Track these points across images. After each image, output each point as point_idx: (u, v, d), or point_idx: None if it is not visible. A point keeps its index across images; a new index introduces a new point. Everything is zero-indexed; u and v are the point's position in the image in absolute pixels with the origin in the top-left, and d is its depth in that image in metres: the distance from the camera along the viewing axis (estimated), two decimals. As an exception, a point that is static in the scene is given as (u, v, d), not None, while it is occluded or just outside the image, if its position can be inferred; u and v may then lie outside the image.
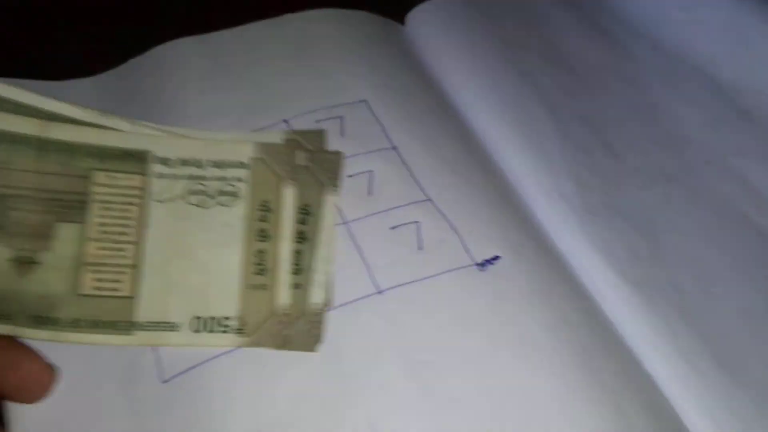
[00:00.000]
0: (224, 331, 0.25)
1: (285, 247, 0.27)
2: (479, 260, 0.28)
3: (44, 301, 0.24)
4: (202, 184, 0.28)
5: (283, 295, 0.26)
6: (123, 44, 0.38)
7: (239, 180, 0.28)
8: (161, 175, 0.27)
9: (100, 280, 0.25)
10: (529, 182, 0.33)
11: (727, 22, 0.41)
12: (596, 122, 0.36)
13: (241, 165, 0.28)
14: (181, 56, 0.36)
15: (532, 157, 0.34)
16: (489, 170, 0.33)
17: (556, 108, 0.36)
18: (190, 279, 0.26)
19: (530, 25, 0.42)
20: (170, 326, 0.25)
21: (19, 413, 0.24)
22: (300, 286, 0.26)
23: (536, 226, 0.31)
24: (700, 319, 0.28)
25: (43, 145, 0.26)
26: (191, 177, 0.28)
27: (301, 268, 0.27)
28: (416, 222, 0.29)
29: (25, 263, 0.25)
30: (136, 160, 0.27)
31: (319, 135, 0.31)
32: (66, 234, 0.25)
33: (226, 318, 0.25)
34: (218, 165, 0.28)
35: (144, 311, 0.25)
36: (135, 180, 0.27)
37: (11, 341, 0.24)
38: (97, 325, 0.25)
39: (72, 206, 0.26)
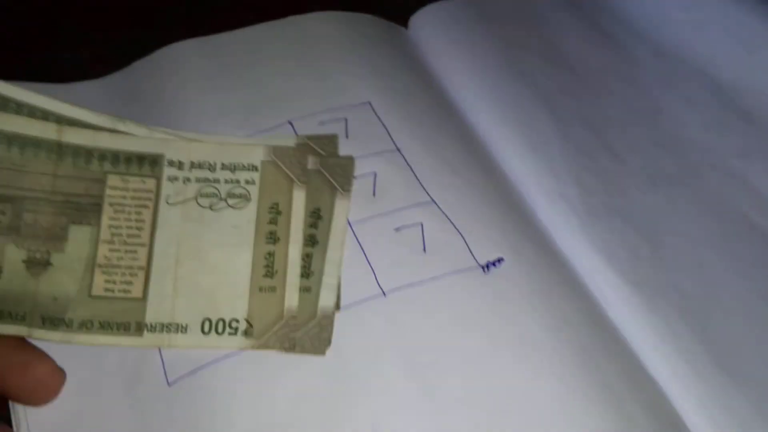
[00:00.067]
0: (232, 333, 0.25)
1: (295, 250, 0.27)
2: (483, 262, 0.28)
3: (56, 303, 0.25)
4: (213, 187, 0.28)
5: (292, 298, 0.26)
6: (127, 47, 0.38)
7: (250, 183, 0.28)
8: (174, 178, 0.28)
9: (111, 281, 0.26)
10: (530, 184, 0.33)
11: (728, 23, 0.41)
12: (597, 124, 0.36)
13: (252, 168, 0.29)
14: (186, 58, 0.36)
15: (533, 158, 0.34)
16: (491, 172, 0.33)
17: (558, 110, 0.37)
18: (199, 281, 0.26)
19: (531, 28, 0.42)
20: (179, 328, 0.25)
21: (25, 414, 0.24)
22: (310, 290, 0.27)
23: (538, 228, 0.31)
24: (700, 321, 0.28)
25: (59, 149, 0.26)
26: (203, 180, 0.28)
27: (311, 271, 0.27)
28: (420, 224, 0.29)
29: (38, 264, 0.25)
30: (149, 163, 0.28)
31: (331, 140, 0.31)
32: (79, 236, 0.26)
33: (235, 320, 0.26)
34: (230, 168, 0.28)
35: (154, 313, 0.25)
36: (148, 183, 0.27)
37: (22, 343, 0.24)
38: (107, 326, 0.25)
39: (85, 209, 0.26)
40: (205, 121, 0.32)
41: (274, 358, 0.25)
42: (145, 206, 0.27)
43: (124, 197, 0.27)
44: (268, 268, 0.27)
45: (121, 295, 0.25)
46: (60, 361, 0.24)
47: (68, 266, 0.25)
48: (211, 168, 0.28)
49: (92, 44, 0.40)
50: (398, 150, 0.32)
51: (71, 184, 0.26)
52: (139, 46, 0.37)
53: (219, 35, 0.38)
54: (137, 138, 0.28)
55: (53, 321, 0.24)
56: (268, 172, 0.29)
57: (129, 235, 0.26)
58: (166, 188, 0.28)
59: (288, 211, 0.28)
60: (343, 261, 0.27)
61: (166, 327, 0.25)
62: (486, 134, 0.35)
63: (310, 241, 0.28)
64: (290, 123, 0.32)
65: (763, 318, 0.29)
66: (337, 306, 0.26)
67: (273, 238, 0.27)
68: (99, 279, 0.25)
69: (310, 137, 0.31)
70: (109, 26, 0.42)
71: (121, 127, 0.28)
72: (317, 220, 0.28)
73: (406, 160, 0.32)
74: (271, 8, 0.39)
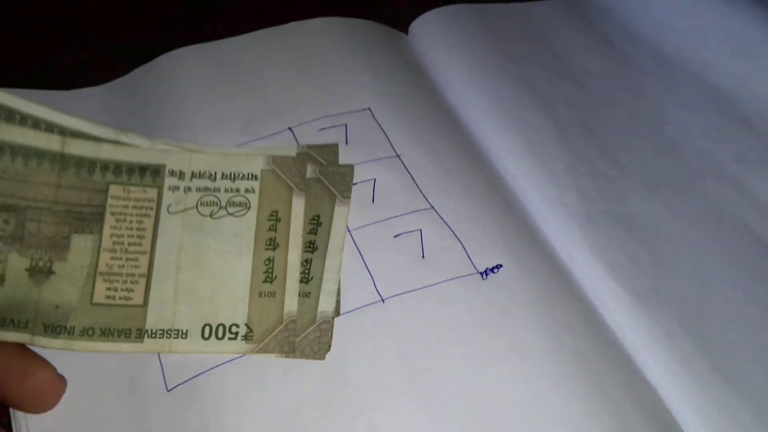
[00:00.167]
0: (233, 338, 0.26)
1: (294, 256, 0.27)
2: (482, 269, 0.28)
3: (58, 310, 0.25)
4: (214, 196, 0.28)
5: (292, 303, 0.27)
6: (130, 51, 0.38)
7: (250, 191, 0.29)
8: (175, 188, 0.28)
9: (112, 289, 0.26)
10: (531, 191, 0.33)
11: (728, 30, 0.41)
12: (597, 130, 0.36)
13: (252, 177, 0.29)
14: (187, 64, 0.37)
15: (534, 165, 0.34)
16: (491, 179, 0.33)
17: (558, 116, 0.37)
18: (200, 287, 0.27)
19: (532, 35, 0.42)
20: (180, 333, 0.26)
21: (26, 421, 0.24)
22: (309, 295, 0.27)
23: (537, 234, 0.32)
24: (698, 327, 0.28)
25: (62, 160, 0.27)
26: (204, 189, 0.29)
27: (310, 276, 0.27)
28: (419, 230, 0.29)
29: (40, 273, 0.25)
30: (151, 173, 0.28)
31: (331, 149, 0.31)
32: (81, 244, 0.26)
33: (235, 325, 0.26)
34: (230, 177, 0.29)
35: (154, 319, 0.26)
36: (149, 192, 0.28)
37: (23, 350, 0.24)
38: (108, 333, 0.25)
39: (88, 218, 0.27)
40: (206, 128, 0.33)
41: (273, 364, 0.25)
42: (147, 215, 0.27)
43: (126, 206, 0.27)
44: (268, 274, 0.27)
45: (122, 302, 0.26)
46: (60, 368, 0.24)
47: (70, 274, 0.26)
48: (212, 177, 0.29)
49: (94, 48, 0.41)
50: (398, 156, 0.32)
51: (74, 194, 0.27)
52: (142, 51, 0.38)
53: (220, 41, 0.38)
54: (139, 149, 0.28)
55: (55, 328, 0.25)
56: (268, 181, 0.29)
57: (130, 244, 0.27)
58: (167, 197, 0.28)
59: (287, 218, 0.28)
60: (341, 266, 0.28)
61: (167, 333, 0.26)
62: (486, 141, 0.35)
63: (310, 247, 0.28)
64: (290, 129, 0.33)
65: (762, 324, 0.29)
66: (337, 311, 0.27)
67: (272, 244, 0.28)
68: (100, 286, 0.26)
69: (310, 147, 0.31)
70: (112, 31, 0.43)
71: (123, 138, 0.28)
72: (317, 226, 0.28)
73: (405, 167, 0.32)
74: (272, 14, 0.40)
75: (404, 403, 0.24)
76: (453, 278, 0.28)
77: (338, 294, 0.27)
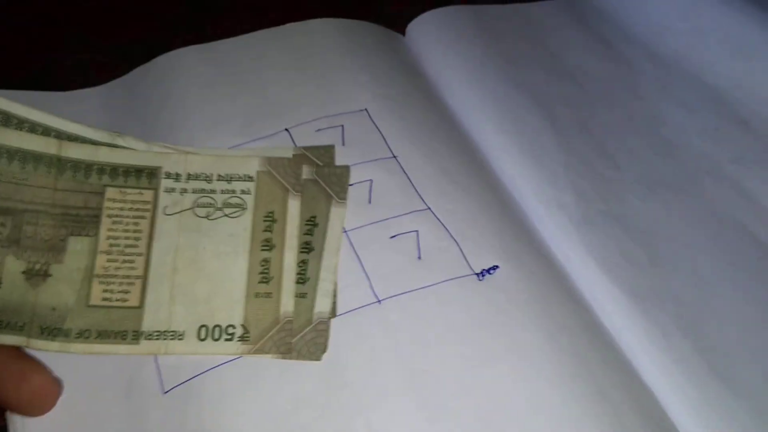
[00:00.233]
0: (229, 339, 0.26)
1: (290, 257, 0.28)
2: (478, 270, 0.28)
3: (55, 313, 0.25)
4: (209, 197, 0.28)
5: (288, 303, 0.27)
6: (129, 52, 0.38)
7: (246, 192, 0.29)
8: (171, 190, 0.28)
9: (109, 291, 0.26)
10: (528, 192, 0.33)
11: (727, 31, 0.41)
12: (595, 131, 0.36)
13: (247, 178, 0.29)
14: (185, 65, 0.37)
15: (531, 166, 0.34)
16: (488, 180, 0.33)
17: (555, 117, 0.37)
18: (196, 288, 0.27)
19: (529, 36, 0.42)
20: (176, 335, 0.26)
21: (23, 425, 0.24)
22: (305, 295, 0.27)
23: (534, 235, 0.32)
24: (697, 329, 0.28)
25: (59, 163, 0.27)
26: (200, 191, 0.29)
27: (307, 277, 0.27)
28: (416, 231, 0.29)
29: (37, 275, 0.25)
30: (147, 176, 0.28)
31: (328, 150, 0.31)
32: (78, 247, 0.26)
33: (231, 326, 0.26)
34: (226, 178, 0.29)
35: (151, 320, 0.26)
36: (145, 195, 0.28)
37: (19, 353, 0.24)
38: (104, 335, 0.25)
39: (84, 220, 0.27)
40: (204, 128, 0.33)
41: (270, 365, 0.25)
42: (143, 217, 0.27)
43: (122, 209, 0.27)
44: (264, 275, 0.27)
45: (119, 304, 0.26)
46: (57, 371, 0.24)
47: (67, 277, 0.26)
48: (208, 179, 0.29)
49: (94, 49, 0.41)
50: (395, 157, 0.32)
51: (71, 197, 0.27)
52: (141, 52, 0.38)
53: (218, 42, 0.38)
54: (135, 152, 0.29)
55: (51, 331, 0.25)
56: (264, 182, 0.29)
57: (127, 246, 0.27)
58: (164, 199, 0.28)
59: (283, 219, 0.28)
60: (338, 267, 0.28)
61: (163, 334, 0.26)
62: (483, 142, 0.35)
63: (306, 247, 0.28)
64: (287, 131, 0.33)
65: (759, 325, 0.29)
66: (334, 312, 0.27)
67: (269, 245, 0.28)
68: (97, 289, 0.26)
69: (307, 148, 0.31)
70: (112, 31, 0.43)
71: (120, 142, 0.28)
72: (313, 227, 0.28)
73: (402, 168, 0.32)
74: (271, 15, 0.40)
75: (402, 403, 0.24)
76: (450, 279, 0.28)
77: (335, 295, 0.27)
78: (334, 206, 0.29)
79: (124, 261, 0.27)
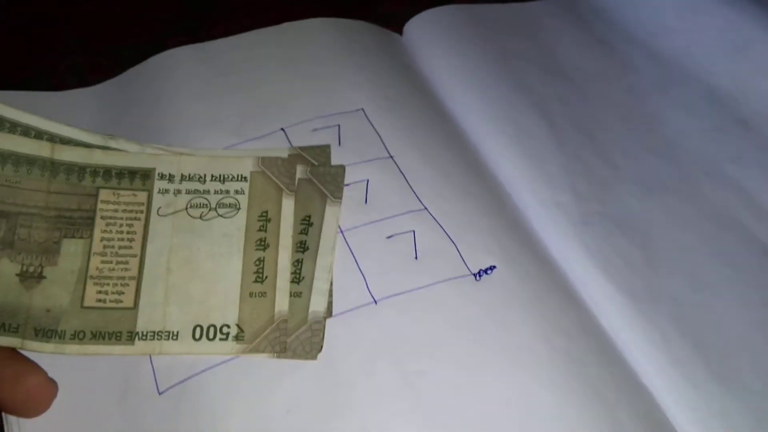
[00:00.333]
0: (224, 339, 0.26)
1: (284, 256, 0.27)
2: (475, 270, 0.28)
3: (49, 315, 0.25)
4: (203, 198, 0.28)
5: (283, 302, 0.27)
6: (125, 54, 0.38)
7: (239, 192, 0.29)
8: (164, 191, 0.28)
9: (103, 292, 0.26)
10: (525, 191, 0.33)
11: (725, 30, 0.41)
12: (592, 131, 0.36)
13: (241, 178, 0.29)
14: (180, 65, 0.37)
15: (528, 166, 0.34)
16: (485, 179, 0.33)
17: (552, 117, 0.37)
18: (190, 288, 0.27)
19: (526, 35, 0.42)
20: (170, 335, 0.26)
21: (18, 426, 0.24)
22: (300, 294, 0.27)
23: (531, 235, 0.31)
24: (694, 329, 0.28)
25: (52, 166, 0.27)
26: (193, 191, 0.29)
27: (301, 276, 0.27)
28: (412, 231, 0.29)
29: (31, 277, 0.25)
30: (140, 177, 0.28)
31: (323, 150, 0.31)
32: (71, 249, 0.26)
33: (226, 326, 0.26)
34: (219, 179, 0.29)
35: (145, 321, 0.26)
36: (139, 196, 0.28)
37: (14, 354, 0.24)
38: (99, 336, 0.25)
39: (78, 222, 0.27)
40: (198, 128, 0.33)
41: (265, 366, 0.25)
42: (137, 218, 0.28)
43: (116, 210, 0.27)
44: (258, 274, 0.27)
45: (113, 305, 0.26)
46: (52, 372, 0.24)
47: (61, 279, 0.26)
48: (201, 179, 0.29)
49: (90, 52, 0.41)
50: (391, 157, 0.32)
51: (64, 200, 0.27)
52: (137, 54, 0.38)
53: (213, 42, 0.38)
54: (128, 153, 0.29)
55: (46, 332, 0.25)
56: (257, 182, 0.29)
57: (121, 247, 0.27)
58: (157, 201, 0.28)
59: (277, 218, 0.28)
60: (333, 266, 0.28)
61: (158, 334, 0.26)
62: (479, 141, 0.35)
63: (301, 247, 0.28)
64: (283, 130, 0.33)
65: (757, 325, 0.29)
66: (329, 311, 0.27)
67: (263, 244, 0.28)
68: (91, 290, 0.26)
69: (302, 148, 0.31)
70: (107, 34, 0.43)
71: (113, 144, 0.28)
72: (308, 226, 0.28)
73: (398, 168, 0.32)
74: (266, 15, 0.40)
75: (397, 404, 0.24)
76: (446, 279, 0.28)
77: (330, 294, 0.27)
78: (329, 205, 0.29)
79: (118, 262, 0.27)
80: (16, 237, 0.26)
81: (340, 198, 0.30)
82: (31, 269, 0.26)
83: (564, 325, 0.27)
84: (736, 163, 0.35)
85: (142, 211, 0.28)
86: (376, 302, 0.27)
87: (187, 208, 0.28)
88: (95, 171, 0.28)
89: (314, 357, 0.25)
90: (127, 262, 0.27)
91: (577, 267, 0.30)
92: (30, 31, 0.43)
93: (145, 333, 0.26)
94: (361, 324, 0.26)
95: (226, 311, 0.26)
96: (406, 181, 0.31)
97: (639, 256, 0.31)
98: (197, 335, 0.26)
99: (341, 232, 0.29)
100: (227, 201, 0.29)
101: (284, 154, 0.30)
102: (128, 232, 0.27)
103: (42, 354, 0.25)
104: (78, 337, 0.25)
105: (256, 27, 0.39)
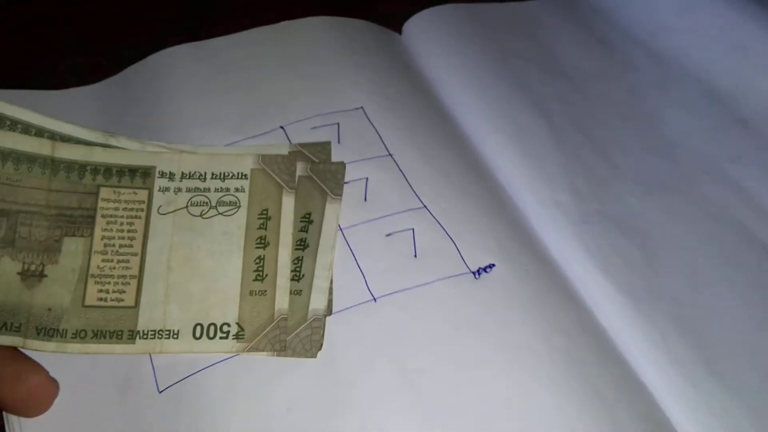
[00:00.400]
0: (224, 337, 0.26)
1: (284, 254, 0.28)
2: (474, 268, 0.28)
3: (51, 313, 0.25)
4: (204, 196, 0.29)
5: (283, 300, 0.27)
6: (124, 54, 0.38)
7: (240, 190, 0.29)
8: (165, 189, 0.28)
9: (104, 291, 0.26)
10: (524, 190, 0.33)
11: (724, 29, 0.41)
12: (591, 130, 0.36)
13: (241, 176, 0.29)
14: (179, 63, 0.37)
15: (527, 165, 0.34)
16: (484, 178, 0.33)
17: (552, 116, 0.37)
18: (191, 287, 0.27)
19: (526, 34, 0.42)
20: (171, 333, 0.26)
21: (19, 425, 0.24)
22: (300, 292, 0.27)
23: (530, 234, 0.31)
24: (693, 328, 0.28)
25: (53, 164, 0.27)
26: (194, 189, 0.29)
27: (301, 274, 0.27)
28: (411, 229, 0.29)
29: (33, 276, 0.26)
30: (141, 175, 0.28)
31: (324, 147, 0.31)
32: (72, 247, 0.26)
33: (226, 324, 0.26)
34: (219, 177, 0.29)
35: (146, 320, 0.26)
36: (140, 194, 0.28)
37: (15, 353, 0.24)
38: (100, 334, 0.25)
39: (79, 221, 0.27)
40: (197, 126, 0.33)
41: (265, 364, 0.25)
42: (137, 217, 0.28)
43: (117, 209, 0.27)
44: (259, 272, 0.27)
45: (114, 303, 0.26)
46: (53, 371, 0.24)
47: (62, 277, 0.26)
48: (202, 177, 0.29)
49: (90, 52, 0.41)
50: (390, 155, 0.32)
51: (65, 198, 0.27)
52: (136, 54, 0.38)
53: (213, 40, 0.38)
54: (129, 152, 0.29)
55: (47, 331, 0.25)
56: (257, 180, 0.29)
57: (121, 246, 0.27)
58: (158, 199, 0.28)
59: (277, 216, 0.28)
60: (333, 264, 0.28)
61: (158, 333, 0.26)
62: (479, 140, 0.35)
63: (301, 244, 0.28)
64: (282, 128, 0.33)
65: (756, 324, 0.29)
66: (329, 309, 0.27)
67: (263, 242, 0.28)
68: (92, 289, 0.26)
69: (302, 145, 0.31)
70: (107, 34, 0.43)
71: (113, 142, 0.28)
72: (308, 224, 0.28)
73: (398, 166, 0.32)
74: (266, 15, 0.40)
75: (397, 401, 0.24)
76: (445, 278, 0.28)
77: (330, 292, 0.27)
78: (329, 203, 0.29)
79: (119, 261, 0.27)
80: (17, 235, 0.26)
81: (341, 195, 0.30)
82: (33, 268, 0.26)
83: (563, 324, 0.27)
84: (735, 162, 0.35)
85: (142, 210, 0.28)
86: (375, 300, 0.27)
87: (187, 206, 0.28)
88: (96, 169, 0.28)
89: (314, 355, 0.25)
90: (127, 261, 0.27)
91: (576, 266, 0.30)
92: (30, 31, 0.43)
93: (146, 332, 0.26)
94: (360, 322, 0.26)
95: (226, 309, 0.26)
96: (406, 179, 0.31)
97: (638, 255, 0.31)
98: (197, 334, 0.26)
99: (341, 230, 0.29)
100: (227, 199, 0.29)
101: (284, 151, 0.30)
102: (129, 231, 0.27)
103: (43, 353, 0.25)
104: (80, 336, 0.25)
105: (254, 24, 0.39)
